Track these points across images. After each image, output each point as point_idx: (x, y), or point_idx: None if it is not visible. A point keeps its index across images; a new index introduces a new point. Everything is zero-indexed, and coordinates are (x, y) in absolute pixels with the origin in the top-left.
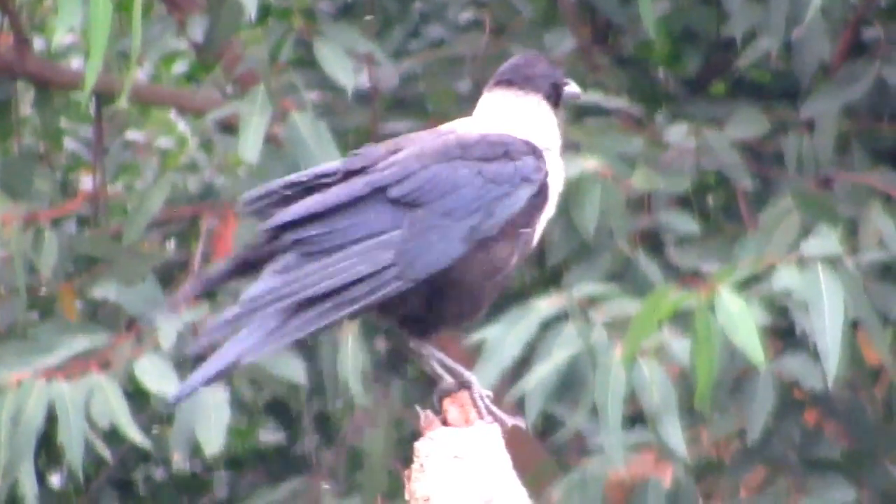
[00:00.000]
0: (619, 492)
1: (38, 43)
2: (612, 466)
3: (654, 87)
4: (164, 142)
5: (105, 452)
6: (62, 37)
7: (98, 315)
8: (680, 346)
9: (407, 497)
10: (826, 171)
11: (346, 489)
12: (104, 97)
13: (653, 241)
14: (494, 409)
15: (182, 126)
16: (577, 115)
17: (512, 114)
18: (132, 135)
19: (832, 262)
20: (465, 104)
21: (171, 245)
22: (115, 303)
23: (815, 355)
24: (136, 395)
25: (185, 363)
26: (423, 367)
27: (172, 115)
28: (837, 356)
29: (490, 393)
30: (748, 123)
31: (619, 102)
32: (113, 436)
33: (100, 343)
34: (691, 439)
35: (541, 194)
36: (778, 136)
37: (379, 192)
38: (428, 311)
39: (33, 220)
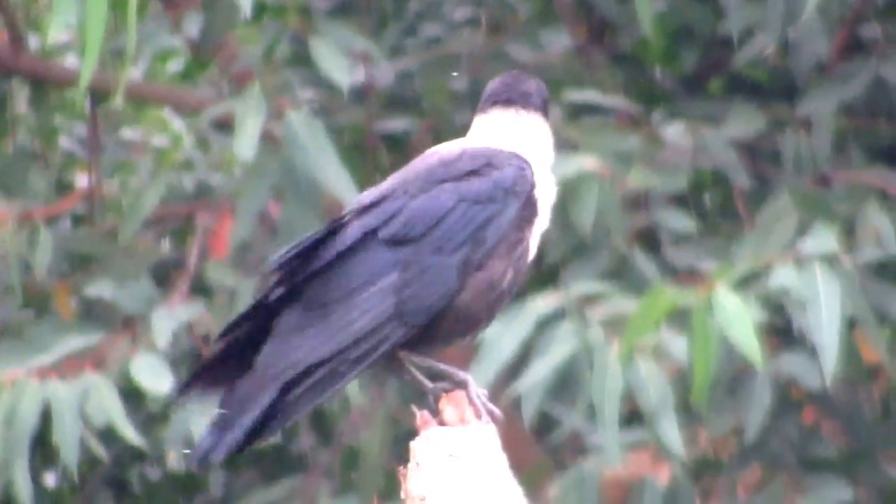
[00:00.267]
0: (616, 491)
1: (32, 41)
2: (609, 465)
3: (650, 86)
4: (159, 140)
5: (100, 451)
6: (57, 35)
7: (93, 313)
8: (677, 344)
9: (403, 496)
10: (823, 170)
11: (341, 488)
12: (99, 95)
13: (650, 240)
14: (492, 406)
15: (177, 124)
16: (573, 113)
17: (510, 132)
18: (127, 133)
19: (829, 261)
20: (461, 102)
21: (166, 243)
22: (110, 301)
23: (813, 354)
24: (131, 394)
25: (180, 362)
26: (404, 375)
27: (167, 113)
28: (835, 354)
29: (485, 391)
30: (745, 122)
31: (615, 101)
32: (108, 435)
33: (95, 342)
34: (688, 438)
35: (530, 208)
36: (775, 134)
37: (370, 234)
38: (422, 327)
39: (28, 218)
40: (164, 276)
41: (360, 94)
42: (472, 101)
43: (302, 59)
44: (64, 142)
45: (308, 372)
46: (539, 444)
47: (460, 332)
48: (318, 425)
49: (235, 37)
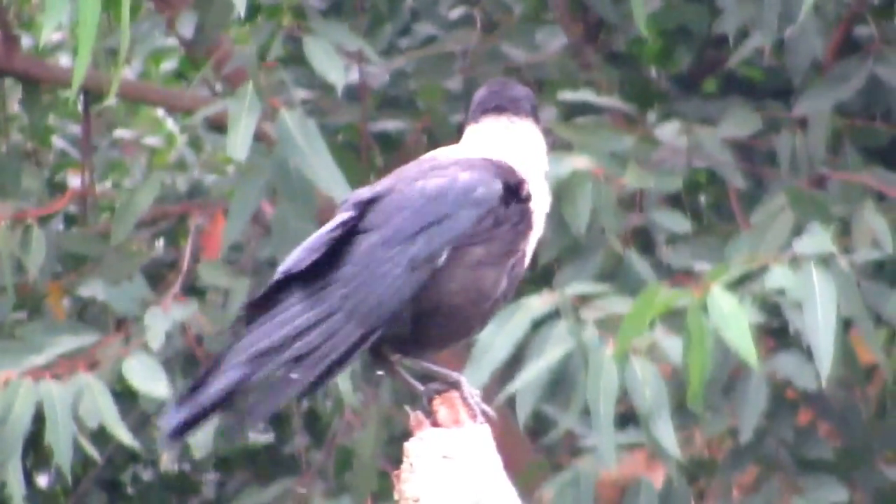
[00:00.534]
0: (612, 491)
1: (25, 40)
2: (604, 466)
3: (645, 85)
4: (152, 140)
5: (93, 453)
6: (50, 34)
7: (86, 314)
8: (672, 345)
9: (396, 497)
10: (819, 170)
11: (335, 489)
12: (92, 95)
13: (644, 240)
14: (485, 407)
15: (170, 124)
16: (568, 113)
17: (505, 140)
18: (120, 133)
19: (825, 261)
20: (456, 102)
21: (159, 244)
22: (103, 302)
23: (808, 354)
24: (125, 395)
25: (173, 362)
26: (396, 378)
27: (161, 112)
28: (830, 355)
29: (479, 392)
30: (740, 122)
31: (610, 100)
32: (101, 436)
33: (88, 342)
34: (684, 439)
35: (524, 219)
36: (770, 134)
37: (345, 226)
38: (412, 332)
39: (21, 218)
40: (157, 276)
41: (355, 93)
42: (467, 100)
43: (296, 58)
44: (57, 142)
45: (261, 363)
46: (534, 445)
47: (452, 338)
48: (311, 426)
49: (229, 36)
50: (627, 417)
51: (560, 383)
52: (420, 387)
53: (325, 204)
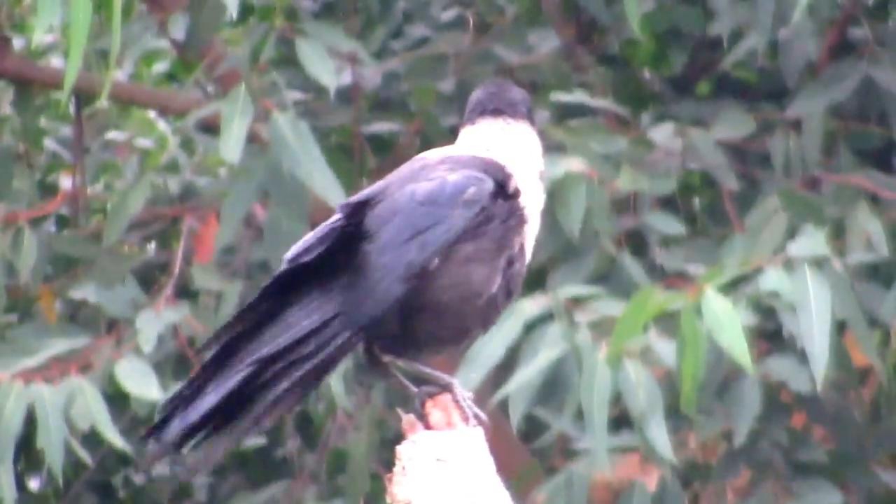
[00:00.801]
0: (605, 495)
1: (17, 42)
2: (598, 469)
3: (639, 87)
4: (144, 142)
5: (84, 456)
6: (41, 36)
7: (78, 317)
8: (666, 347)
9: (389, 500)
10: (813, 172)
11: (328, 493)
12: (84, 97)
13: (638, 242)
14: (478, 410)
15: (162, 126)
16: (561, 115)
17: (501, 142)
18: (112, 135)
19: (819, 263)
20: (449, 103)
21: (151, 246)
22: (95, 304)
23: (803, 357)
24: (116, 398)
25: (165, 365)
26: (390, 380)
27: (153, 114)
28: (825, 358)
29: (471, 394)
30: (734, 124)
31: (603, 102)
32: (92, 439)
33: (79, 345)
34: (677, 442)
35: (515, 216)
36: (764, 136)
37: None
38: (404, 331)
39: (12, 220)
40: (149, 278)
41: (347, 95)
42: (460, 102)
43: (288, 60)
44: (49, 143)
45: (259, 371)
46: (527, 448)
47: (449, 338)
48: (304, 429)
49: (221, 38)
50: (621, 420)
51: (553, 386)
52: (414, 388)
53: (318, 206)
